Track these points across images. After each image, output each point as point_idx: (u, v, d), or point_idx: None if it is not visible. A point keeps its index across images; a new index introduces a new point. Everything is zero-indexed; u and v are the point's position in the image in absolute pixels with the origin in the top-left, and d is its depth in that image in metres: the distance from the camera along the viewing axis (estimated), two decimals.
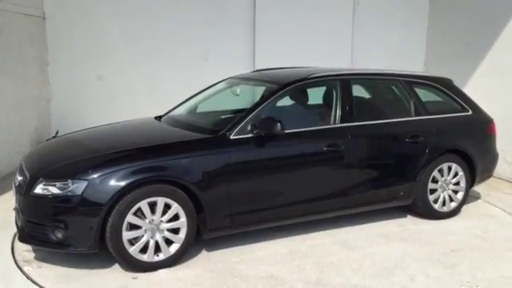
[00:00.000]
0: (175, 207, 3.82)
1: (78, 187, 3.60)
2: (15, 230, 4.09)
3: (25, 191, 3.79)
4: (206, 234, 4.05)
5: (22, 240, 3.86)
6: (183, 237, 3.89)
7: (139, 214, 3.73)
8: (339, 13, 7.97)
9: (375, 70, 5.44)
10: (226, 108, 5.11)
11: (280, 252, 4.23)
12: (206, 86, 5.43)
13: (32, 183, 3.74)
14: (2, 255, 4.04)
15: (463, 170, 5.13)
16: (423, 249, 4.34)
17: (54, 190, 3.65)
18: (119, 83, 7.51)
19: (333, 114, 4.62)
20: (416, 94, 5.08)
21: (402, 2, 8.25)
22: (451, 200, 5.14)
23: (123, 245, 3.68)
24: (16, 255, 4.06)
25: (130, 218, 3.68)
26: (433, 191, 5.02)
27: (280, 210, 4.31)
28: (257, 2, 7.65)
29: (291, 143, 4.32)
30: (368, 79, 5.16)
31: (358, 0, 7.98)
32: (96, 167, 3.68)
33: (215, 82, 5.43)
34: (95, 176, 3.63)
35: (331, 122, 4.59)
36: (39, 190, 3.69)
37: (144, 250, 3.78)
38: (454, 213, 5.17)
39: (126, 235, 3.68)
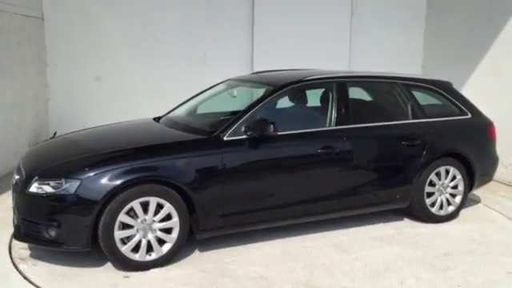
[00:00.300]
0: (167, 207, 3.86)
1: (70, 186, 3.65)
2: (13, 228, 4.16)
3: (20, 190, 3.86)
4: (198, 235, 4.09)
5: (17, 238, 3.92)
6: (175, 237, 3.92)
7: (132, 213, 3.78)
8: (337, 16, 7.99)
9: (372, 72, 5.44)
10: (223, 110, 5.13)
11: (273, 253, 4.24)
12: (205, 88, 5.47)
13: (27, 182, 3.81)
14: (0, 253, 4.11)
15: (461, 174, 5.10)
16: (417, 252, 4.32)
17: (48, 189, 3.71)
18: (117, 84, 7.56)
19: (328, 116, 4.62)
20: (414, 97, 5.06)
21: (399, 4, 8.26)
22: (449, 204, 5.11)
23: (115, 244, 3.72)
24: (13, 253, 4.13)
25: (122, 217, 3.73)
26: (430, 194, 4.99)
27: (273, 211, 4.33)
28: (255, 4, 7.69)
29: (285, 145, 4.34)
30: (365, 82, 5.15)
31: (356, 3, 7.99)
32: (89, 167, 3.74)
33: (214, 83, 5.47)
34: (88, 175, 3.68)
35: (326, 125, 4.60)
36: (34, 188, 3.76)
37: (136, 249, 3.82)
38: (451, 216, 5.14)
39: (118, 234, 3.73)
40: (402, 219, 5.12)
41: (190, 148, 4.07)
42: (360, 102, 5.06)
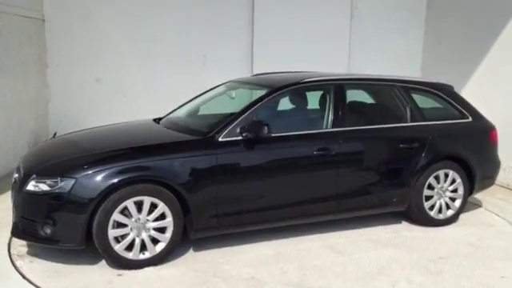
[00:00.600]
0: (161, 207, 3.90)
1: (66, 185, 3.72)
2: None
3: (18, 188, 3.94)
4: (192, 234, 4.13)
5: (14, 235, 4.00)
6: (169, 236, 3.96)
7: (126, 212, 3.83)
8: (337, 18, 8.01)
9: (371, 75, 5.43)
10: (223, 111, 5.16)
11: (267, 254, 4.26)
12: (206, 90, 5.52)
13: (25, 180, 3.89)
14: None
15: (461, 178, 5.06)
16: (411, 255, 4.31)
17: (44, 187, 3.78)
18: (117, 86, 7.62)
19: (325, 118, 4.64)
20: (413, 100, 5.04)
21: (398, 7, 8.26)
22: (448, 207, 5.07)
23: (109, 242, 3.78)
24: (12, 250, 4.20)
25: (116, 216, 3.78)
26: (428, 198, 4.96)
27: (268, 212, 4.35)
28: (255, 6, 7.73)
29: (280, 146, 4.35)
30: (362, 84, 5.15)
31: (355, 4, 7.99)
32: (84, 166, 3.80)
33: (213, 85, 5.51)
34: (82, 174, 3.74)
35: (323, 127, 4.61)
36: (31, 186, 3.83)
37: (130, 247, 3.87)
38: (450, 220, 5.10)
39: (112, 233, 3.78)
40: (401, 222, 5.10)
41: (184, 148, 4.11)
42: (357, 105, 5.06)
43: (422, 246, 4.54)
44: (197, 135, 4.28)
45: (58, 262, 3.97)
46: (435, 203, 5.00)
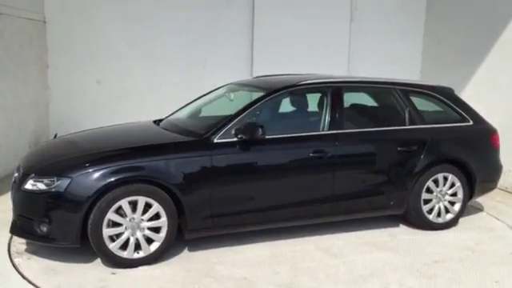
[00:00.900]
0: (156, 207, 3.95)
1: (62, 184, 3.80)
2: None
3: (17, 186, 4.03)
4: (187, 234, 4.18)
5: (13, 232, 4.09)
6: (164, 236, 4.01)
7: (121, 211, 3.89)
8: (337, 21, 8.03)
9: (369, 78, 5.43)
10: (223, 113, 5.21)
11: (262, 255, 4.28)
12: (207, 92, 5.56)
13: (23, 179, 3.98)
14: None
15: (460, 181, 5.03)
16: (406, 258, 4.29)
17: (42, 186, 3.86)
18: (118, 87, 7.69)
19: (322, 120, 4.65)
20: (412, 103, 5.03)
21: (398, 10, 8.26)
22: (447, 211, 5.04)
23: (103, 241, 3.84)
24: (12, 247, 4.29)
25: (111, 215, 3.84)
26: (427, 201, 4.94)
27: (262, 213, 4.37)
28: (255, 9, 7.77)
29: (275, 148, 4.38)
30: (360, 87, 5.15)
31: (355, 5, 8.00)
32: (80, 166, 3.87)
33: (213, 87, 5.56)
34: (78, 174, 3.81)
35: (320, 129, 4.63)
36: (29, 185, 3.92)
37: (125, 246, 3.93)
38: (450, 224, 5.07)
39: (107, 232, 3.84)
40: (399, 226, 5.08)
41: (179, 149, 4.16)
42: (355, 107, 5.07)
43: (418, 249, 4.52)
44: (193, 136, 4.32)
45: (55, 259, 4.05)
46: (434, 207, 4.97)
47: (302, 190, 4.47)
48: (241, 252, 4.35)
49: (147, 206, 3.95)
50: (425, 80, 7.20)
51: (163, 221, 4.00)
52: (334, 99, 4.68)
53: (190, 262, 4.11)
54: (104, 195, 3.80)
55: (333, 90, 4.72)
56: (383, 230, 4.97)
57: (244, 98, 5.22)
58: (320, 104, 4.78)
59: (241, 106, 4.53)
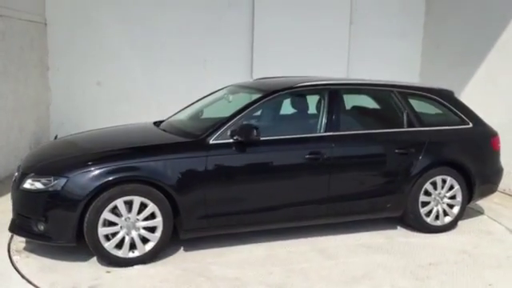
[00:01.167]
0: (151, 207, 4.01)
1: (58, 183, 3.87)
2: None
3: (16, 186, 4.12)
4: (182, 234, 4.23)
5: (12, 231, 4.17)
6: (159, 236, 4.06)
7: (116, 211, 3.95)
8: (336, 24, 8.07)
9: (367, 80, 5.44)
10: (222, 115, 5.25)
11: (256, 256, 4.31)
12: (207, 93, 5.62)
13: (22, 178, 4.06)
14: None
15: (459, 184, 5.00)
16: (401, 261, 4.29)
17: (39, 185, 3.94)
18: (118, 89, 7.76)
19: (318, 122, 4.67)
20: (410, 106, 5.02)
21: (397, 13, 8.28)
22: (446, 214, 5.02)
23: (99, 240, 3.90)
24: (12, 245, 4.38)
25: (106, 214, 3.90)
26: (425, 204, 4.93)
27: (258, 214, 4.40)
28: (255, 11, 7.82)
29: (270, 150, 4.40)
30: (358, 89, 5.15)
31: (355, 7, 8.01)
32: (76, 165, 3.95)
33: (214, 89, 5.61)
34: (74, 173, 3.88)
35: (316, 131, 4.64)
36: (28, 185, 4.00)
37: (120, 245, 3.99)
38: (448, 227, 5.05)
39: (102, 231, 3.90)
40: (397, 228, 5.07)
41: (175, 150, 4.21)
42: (352, 110, 5.07)
43: (413, 252, 4.51)
44: (190, 137, 4.37)
45: (52, 258, 4.12)
46: (432, 209, 4.96)
47: (297, 192, 4.49)
48: (237, 252, 4.38)
49: (143, 206, 4.00)
50: (424, 82, 7.18)
51: (158, 220, 4.05)
52: (331, 101, 4.69)
53: (185, 262, 4.15)
54: (99, 195, 3.86)
55: (330, 92, 4.74)
56: (381, 232, 4.97)
57: (243, 100, 5.25)
58: (317, 106, 4.80)
59: (238, 108, 4.57)
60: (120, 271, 3.94)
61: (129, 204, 3.97)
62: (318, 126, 4.64)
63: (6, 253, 4.23)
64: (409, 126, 4.95)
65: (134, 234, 4.01)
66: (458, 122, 5.20)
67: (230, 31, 7.87)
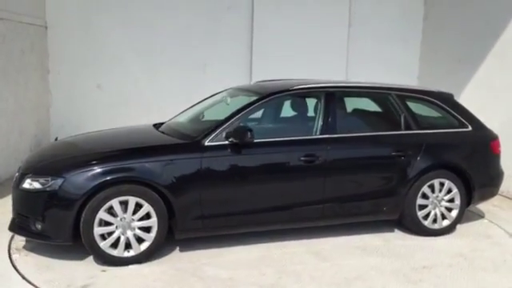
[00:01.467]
0: (146, 207, 4.07)
1: (55, 183, 3.95)
2: None
3: (16, 186, 4.21)
4: (177, 234, 4.28)
5: (11, 230, 4.26)
6: (154, 236, 4.12)
7: (112, 211, 4.02)
8: (335, 27, 8.10)
9: (365, 82, 5.44)
10: (220, 117, 5.30)
11: (251, 257, 4.35)
12: (207, 96, 5.67)
13: (21, 178, 4.16)
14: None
15: (458, 187, 4.98)
16: (395, 263, 4.29)
17: (37, 185, 4.03)
18: (118, 92, 7.82)
19: (314, 124, 4.69)
20: (408, 108, 5.02)
21: (396, 17, 8.30)
22: (444, 217, 5.00)
23: (94, 239, 3.97)
24: (12, 244, 4.47)
25: (102, 214, 3.97)
26: (423, 207, 4.92)
27: (253, 216, 4.44)
28: (255, 14, 7.86)
29: (266, 151, 4.44)
30: (354, 92, 5.15)
31: (354, 10, 8.04)
32: (73, 166, 4.03)
33: (213, 92, 5.66)
34: (71, 174, 3.96)
35: (312, 133, 4.67)
36: (27, 184, 4.09)
37: (115, 245, 4.05)
38: (446, 230, 5.03)
39: (98, 230, 3.97)
40: (394, 231, 5.07)
41: (170, 151, 4.27)
42: (348, 112, 5.07)
43: (408, 254, 4.51)
44: (186, 139, 4.43)
45: (50, 256, 4.19)
46: (430, 213, 4.94)
47: (292, 194, 4.52)
48: (231, 253, 4.42)
49: (138, 206, 4.07)
50: (422, 85, 7.16)
51: (153, 221, 4.10)
52: (327, 104, 4.71)
53: (180, 262, 4.20)
54: (95, 195, 3.93)
55: (326, 95, 4.76)
56: (378, 234, 4.97)
57: (241, 103, 5.29)
58: (314, 108, 4.82)
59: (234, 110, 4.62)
60: (115, 270, 4.00)
61: (124, 204, 4.04)
62: (314, 129, 4.67)
63: (6, 251, 4.33)
64: (406, 129, 4.95)
65: (130, 233, 4.08)
66: (458, 125, 5.18)
67: (230, 34, 7.92)
